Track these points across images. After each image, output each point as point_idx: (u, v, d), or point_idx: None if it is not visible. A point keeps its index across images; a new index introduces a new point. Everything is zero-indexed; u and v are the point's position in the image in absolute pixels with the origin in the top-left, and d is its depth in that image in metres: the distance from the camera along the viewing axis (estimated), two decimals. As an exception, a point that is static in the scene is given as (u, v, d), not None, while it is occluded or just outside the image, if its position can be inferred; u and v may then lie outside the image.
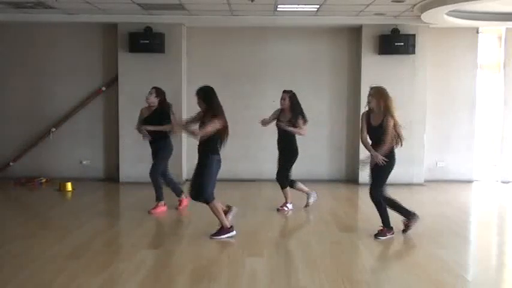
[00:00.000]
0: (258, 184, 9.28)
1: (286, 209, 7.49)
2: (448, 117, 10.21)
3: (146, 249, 5.69)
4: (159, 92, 7.31)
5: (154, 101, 7.25)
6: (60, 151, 10.05)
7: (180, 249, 5.75)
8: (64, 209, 7.81)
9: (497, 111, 10.37)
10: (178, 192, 7.52)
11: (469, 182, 10.19)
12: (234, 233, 6.10)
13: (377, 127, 6.10)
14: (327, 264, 5.22)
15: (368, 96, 6.19)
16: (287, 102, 7.29)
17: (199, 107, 6.10)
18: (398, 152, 10.00)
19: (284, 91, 7.41)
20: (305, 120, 7.31)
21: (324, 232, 6.39)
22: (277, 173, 7.49)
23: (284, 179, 7.46)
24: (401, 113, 9.60)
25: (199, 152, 6.07)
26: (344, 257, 5.48)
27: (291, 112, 7.30)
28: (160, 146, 7.30)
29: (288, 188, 7.51)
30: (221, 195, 8.16)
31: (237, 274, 4.84)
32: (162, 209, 7.33)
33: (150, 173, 7.30)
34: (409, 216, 6.32)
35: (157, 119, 7.20)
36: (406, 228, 6.30)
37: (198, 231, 6.35)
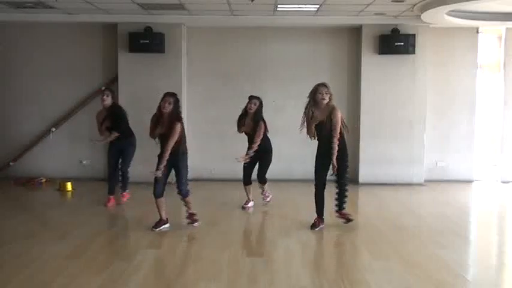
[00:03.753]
0: (257, 184, 9.26)
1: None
2: (448, 117, 10.21)
3: (146, 249, 5.69)
4: (113, 93, 7.71)
5: (109, 102, 7.59)
6: (60, 151, 10.05)
7: (179, 249, 5.75)
8: (64, 209, 7.81)
9: (497, 111, 10.36)
10: (126, 187, 7.91)
11: (469, 182, 10.18)
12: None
13: (322, 123, 6.24)
14: (327, 264, 5.23)
15: (323, 93, 6.19)
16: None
17: (167, 109, 6.09)
18: (398, 151, 10.06)
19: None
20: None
21: (324, 232, 6.39)
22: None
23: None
24: (401, 112, 9.77)
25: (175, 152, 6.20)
26: (344, 257, 5.48)
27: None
28: (132, 142, 7.74)
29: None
30: (221, 195, 8.18)
31: (237, 274, 4.85)
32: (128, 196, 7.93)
33: (125, 168, 7.77)
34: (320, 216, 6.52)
35: (115, 118, 7.58)
36: (313, 226, 6.45)
37: (198, 231, 6.35)
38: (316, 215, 6.51)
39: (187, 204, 6.47)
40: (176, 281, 4.68)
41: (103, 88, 7.75)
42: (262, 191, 7.81)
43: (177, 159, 6.24)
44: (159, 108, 6.12)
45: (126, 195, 7.92)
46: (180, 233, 6.33)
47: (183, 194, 6.39)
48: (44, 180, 9.60)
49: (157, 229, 6.29)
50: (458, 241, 6.20)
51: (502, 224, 7.72)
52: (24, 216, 7.36)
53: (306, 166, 9.33)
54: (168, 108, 6.07)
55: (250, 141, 7.47)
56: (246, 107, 7.45)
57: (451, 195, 9.07)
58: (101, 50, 10.02)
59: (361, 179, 9.69)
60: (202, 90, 10.01)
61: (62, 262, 5.12)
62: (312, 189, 6.42)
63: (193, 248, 5.72)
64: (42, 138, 10.02)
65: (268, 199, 7.81)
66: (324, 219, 6.53)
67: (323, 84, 6.28)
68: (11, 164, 10.02)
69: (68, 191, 8.91)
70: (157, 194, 6.30)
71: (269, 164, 7.62)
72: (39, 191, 9.06)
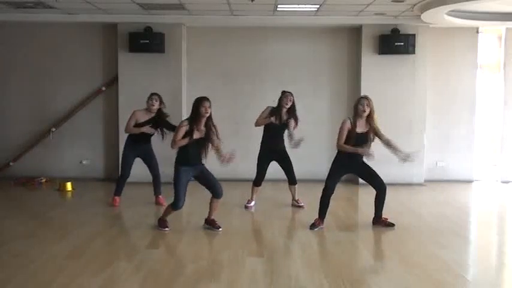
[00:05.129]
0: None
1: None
2: (448, 117, 10.21)
3: (146, 249, 5.69)
4: (161, 100, 7.52)
5: (157, 107, 7.46)
6: (60, 151, 10.05)
7: (180, 249, 5.75)
8: (64, 209, 7.81)
9: (497, 111, 10.37)
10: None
11: (469, 182, 10.19)
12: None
13: (361, 134, 6.36)
14: (327, 264, 5.22)
15: (364, 105, 6.30)
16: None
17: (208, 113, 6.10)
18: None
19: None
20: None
21: (324, 232, 6.39)
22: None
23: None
24: (401, 112, 9.77)
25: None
26: (344, 257, 5.48)
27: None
28: (151, 146, 7.64)
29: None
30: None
31: (237, 274, 4.85)
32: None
33: (157, 171, 7.69)
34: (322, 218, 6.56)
35: (155, 125, 7.44)
36: (313, 225, 6.50)
37: (198, 231, 6.35)
38: (317, 216, 6.53)
39: (215, 209, 6.45)
40: (176, 281, 4.68)
41: (152, 93, 7.52)
42: (295, 194, 7.83)
43: (202, 167, 6.30)
44: (201, 113, 6.05)
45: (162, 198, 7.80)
46: (180, 233, 6.33)
47: (221, 195, 6.39)
48: (44, 180, 9.60)
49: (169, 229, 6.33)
50: (458, 241, 6.20)
51: (502, 224, 7.72)
52: (24, 216, 7.36)
53: (306, 166, 9.40)
54: (209, 111, 6.10)
55: (278, 136, 7.55)
56: (280, 102, 7.48)
57: (451, 195, 9.07)
58: (101, 50, 10.02)
59: (361, 179, 9.67)
60: (202, 90, 9.85)
61: (62, 262, 5.12)
62: (313, 189, 6.41)
63: (193, 248, 5.72)
64: (42, 138, 10.02)
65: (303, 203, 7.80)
66: (324, 221, 6.54)
67: (365, 97, 6.44)
68: (11, 164, 10.02)
69: (68, 191, 8.91)
70: (180, 207, 6.22)
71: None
72: (39, 191, 9.05)
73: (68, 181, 9.06)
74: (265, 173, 7.72)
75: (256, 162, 7.70)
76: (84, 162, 10.12)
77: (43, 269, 4.92)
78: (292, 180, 7.75)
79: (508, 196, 9.42)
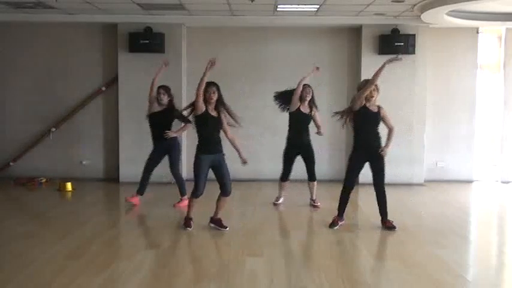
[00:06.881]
0: (258, 184, 9.27)
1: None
2: (448, 117, 10.21)
3: (146, 249, 5.69)
4: (169, 92, 7.59)
5: (166, 101, 7.53)
6: (60, 151, 10.04)
7: (180, 249, 5.75)
8: (64, 209, 7.81)
9: (497, 111, 10.37)
10: (184, 191, 7.61)
11: (469, 182, 10.19)
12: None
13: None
14: (327, 264, 5.22)
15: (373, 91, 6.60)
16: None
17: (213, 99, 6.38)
18: (398, 151, 10.07)
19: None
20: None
21: (324, 232, 6.39)
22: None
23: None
24: (401, 113, 9.77)
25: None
26: (344, 257, 5.48)
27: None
28: (175, 143, 7.55)
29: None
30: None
31: (237, 274, 4.84)
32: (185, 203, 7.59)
33: (171, 171, 7.59)
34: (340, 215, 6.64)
35: (169, 118, 7.47)
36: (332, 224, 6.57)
37: (198, 231, 6.35)
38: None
39: (222, 208, 6.44)
40: (176, 281, 4.68)
41: (159, 86, 7.53)
42: (313, 191, 7.84)
43: (221, 156, 6.43)
44: (206, 98, 6.48)
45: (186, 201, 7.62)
46: (180, 233, 6.32)
47: (229, 194, 6.39)
48: (44, 180, 9.60)
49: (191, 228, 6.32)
50: (458, 241, 6.20)
51: (502, 224, 7.72)
52: (24, 216, 7.36)
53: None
54: (214, 97, 6.60)
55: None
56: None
57: (451, 195, 9.07)
58: (101, 50, 10.02)
59: (361, 179, 9.66)
60: (202, 90, 9.99)
61: (62, 262, 5.11)
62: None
63: (193, 248, 5.72)
64: (42, 138, 10.02)
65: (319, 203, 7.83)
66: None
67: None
68: (11, 164, 10.01)
69: (68, 191, 8.90)
70: (198, 196, 6.24)
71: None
72: (39, 191, 9.05)
73: (68, 181, 9.05)
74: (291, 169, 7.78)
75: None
76: (84, 162, 10.12)
77: (43, 269, 4.92)
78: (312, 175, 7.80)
79: (508, 196, 9.43)
